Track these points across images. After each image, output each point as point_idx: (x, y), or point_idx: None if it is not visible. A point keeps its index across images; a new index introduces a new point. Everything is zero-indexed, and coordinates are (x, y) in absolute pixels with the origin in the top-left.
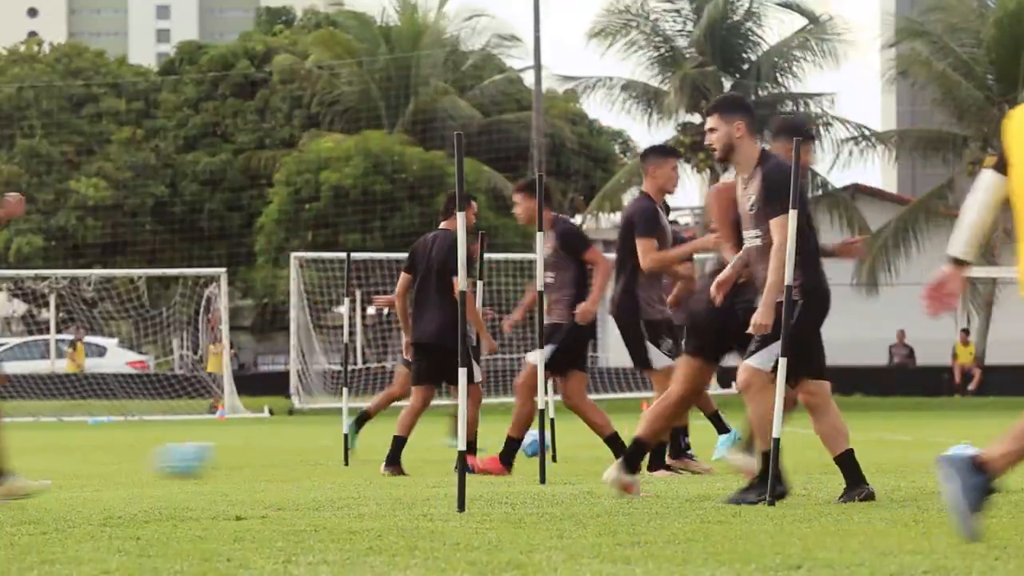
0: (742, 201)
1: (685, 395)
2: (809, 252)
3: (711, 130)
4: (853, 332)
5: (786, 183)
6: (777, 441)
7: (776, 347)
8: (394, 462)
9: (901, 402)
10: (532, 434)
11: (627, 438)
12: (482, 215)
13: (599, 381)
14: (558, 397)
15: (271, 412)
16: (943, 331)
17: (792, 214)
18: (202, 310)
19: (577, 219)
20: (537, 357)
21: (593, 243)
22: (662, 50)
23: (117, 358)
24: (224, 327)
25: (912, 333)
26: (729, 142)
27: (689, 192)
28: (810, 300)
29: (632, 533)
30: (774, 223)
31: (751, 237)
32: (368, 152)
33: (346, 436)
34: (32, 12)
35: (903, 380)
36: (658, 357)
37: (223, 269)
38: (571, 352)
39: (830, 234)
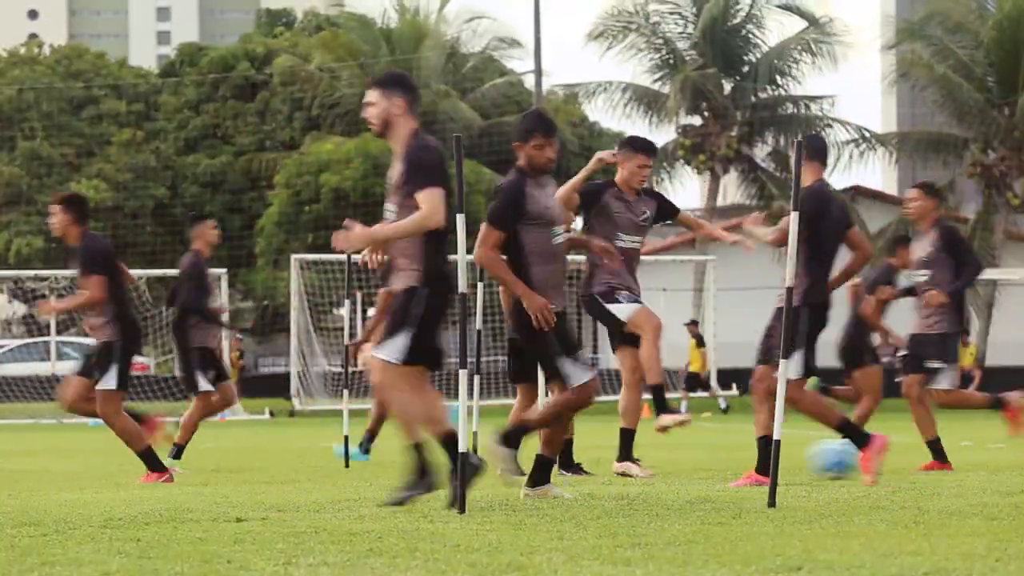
0: None
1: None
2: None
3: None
4: None
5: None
6: (778, 443)
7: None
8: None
9: (901, 403)
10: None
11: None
12: (482, 216)
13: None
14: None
15: (272, 414)
16: None
17: (793, 216)
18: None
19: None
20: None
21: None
22: (662, 52)
23: None
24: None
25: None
26: (387, 118)
27: (691, 193)
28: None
29: (632, 535)
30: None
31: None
32: (368, 154)
33: (346, 437)
34: (32, 14)
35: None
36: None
37: (223, 270)
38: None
39: None
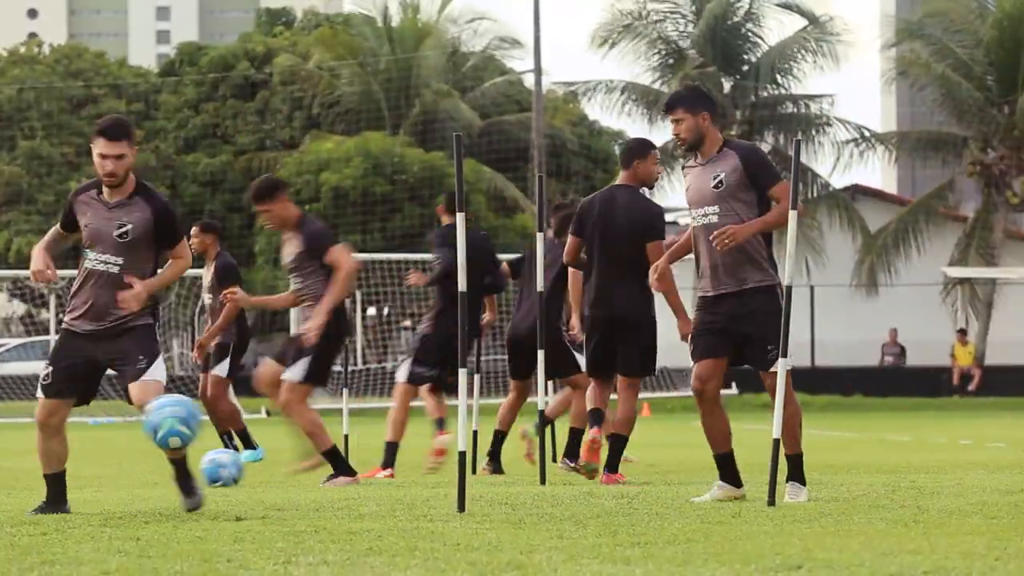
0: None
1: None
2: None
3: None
4: (853, 333)
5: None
6: (777, 442)
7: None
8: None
9: (901, 402)
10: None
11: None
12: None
13: None
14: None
15: (268, 413)
16: (940, 331)
17: (792, 214)
18: (197, 311)
19: None
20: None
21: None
22: (662, 51)
23: None
24: None
25: (909, 334)
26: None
27: None
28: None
29: (632, 533)
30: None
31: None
32: (368, 153)
33: (346, 436)
34: (32, 13)
35: (902, 381)
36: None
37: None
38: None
39: (830, 234)
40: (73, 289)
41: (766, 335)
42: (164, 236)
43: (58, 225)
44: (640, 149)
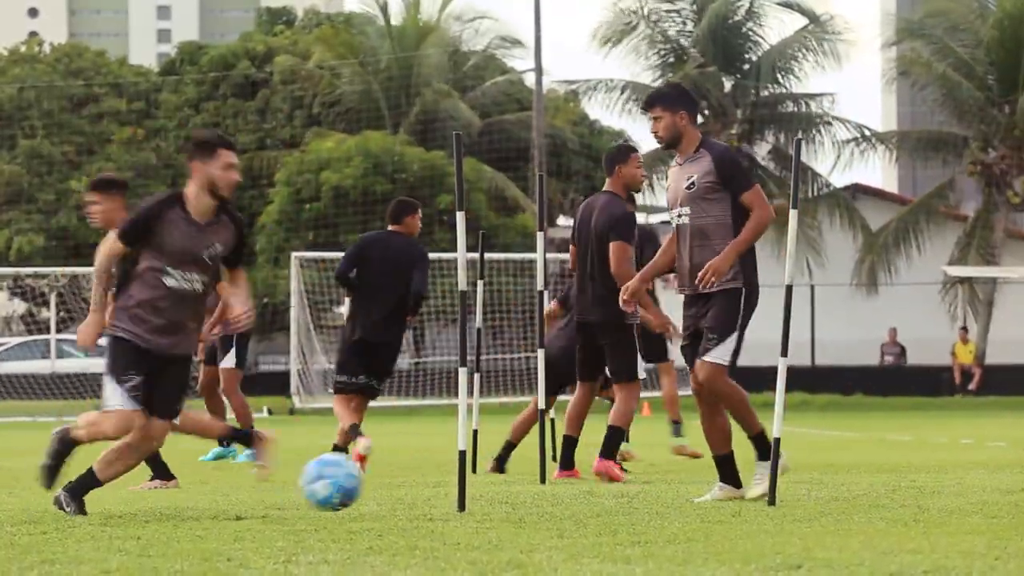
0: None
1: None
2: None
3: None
4: (853, 332)
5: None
6: (777, 440)
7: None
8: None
9: (901, 402)
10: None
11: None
12: (482, 215)
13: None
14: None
15: (269, 412)
16: (940, 330)
17: (793, 213)
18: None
19: None
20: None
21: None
22: (663, 50)
23: None
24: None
25: (910, 333)
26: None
27: None
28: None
29: (632, 533)
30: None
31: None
32: (368, 152)
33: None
34: (33, 12)
35: (902, 380)
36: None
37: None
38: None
39: (831, 234)
40: (138, 299)
41: (712, 326)
42: (238, 253)
43: (118, 242)
44: (620, 154)
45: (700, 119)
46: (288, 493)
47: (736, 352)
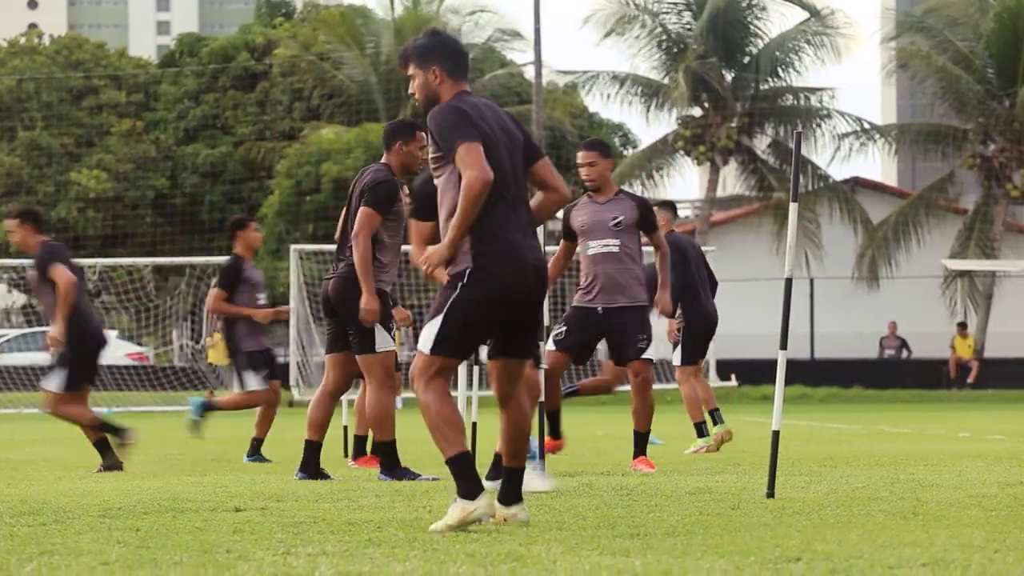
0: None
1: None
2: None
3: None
4: (852, 325)
5: None
6: (776, 433)
7: None
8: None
9: (900, 395)
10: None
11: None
12: None
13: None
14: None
15: None
16: (939, 324)
17: (793, 207)
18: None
19: None
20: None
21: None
22: (663, 43)
23: (116, 350)
24: None
25: (909, 326)
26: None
27: (690, 184)
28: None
29: (631, 525)
30: None
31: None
32: (369, 144)
33: (345, 428)
34: (32, 4)
35: (901, 373)
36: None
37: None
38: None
39: (830, 227)
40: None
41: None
42: None
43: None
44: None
45: (700, 111)
46: (287, 484)
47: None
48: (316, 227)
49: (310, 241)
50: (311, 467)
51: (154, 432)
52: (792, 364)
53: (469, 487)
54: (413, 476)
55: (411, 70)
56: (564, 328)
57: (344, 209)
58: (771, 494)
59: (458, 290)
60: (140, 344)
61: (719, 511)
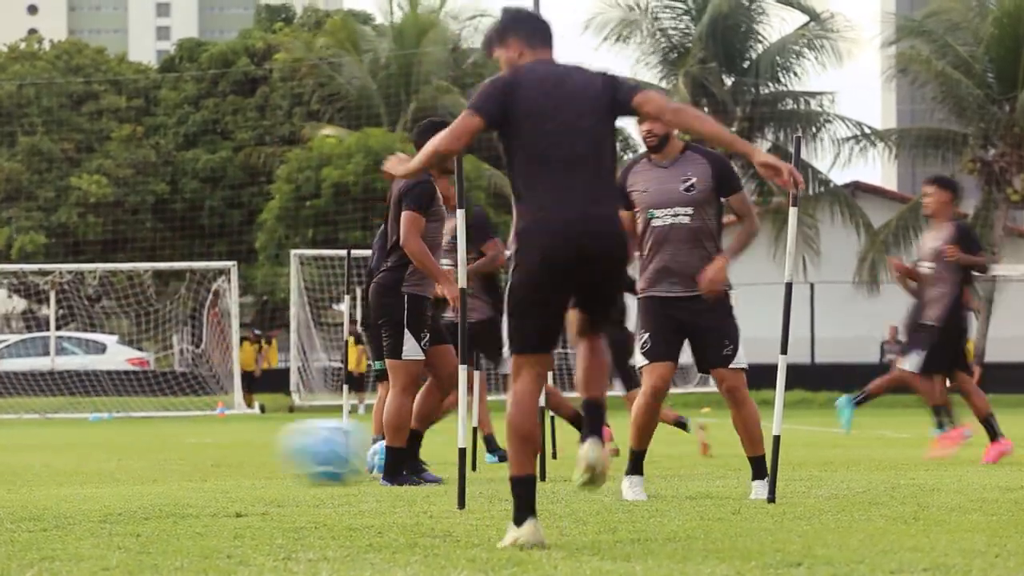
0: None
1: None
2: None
3: None
4: (853, 329)
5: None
6: (777, 438)
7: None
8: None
9: (900, 399)
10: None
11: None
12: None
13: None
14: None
15: (262, 409)
16: None
17: (793, 211)
18: (208, 304)
19: None
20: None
21: None
22: (663, 47)
23: (117, 355)
24: (234, 321)
25: None
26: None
27: None
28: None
29: (632, 530)
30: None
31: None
32: (369, 149)
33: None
34: (32, 9)
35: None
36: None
37: (232, 263)
38: None
39: (831, 231)
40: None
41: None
42: None
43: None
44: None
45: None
46: (288, 490)
47: None
48: (316, 232)
49: (310, 246)
50: (412, 458)
51: (154, 437)
52: (792, 369)
53: (518, 513)
54: (415, 483)
55: (496, 53)
56: (645, 334)
57: (384, 219)
58: (772, 499)
59: (510, 279)
60: (140, 349)
61: (720, 516)
